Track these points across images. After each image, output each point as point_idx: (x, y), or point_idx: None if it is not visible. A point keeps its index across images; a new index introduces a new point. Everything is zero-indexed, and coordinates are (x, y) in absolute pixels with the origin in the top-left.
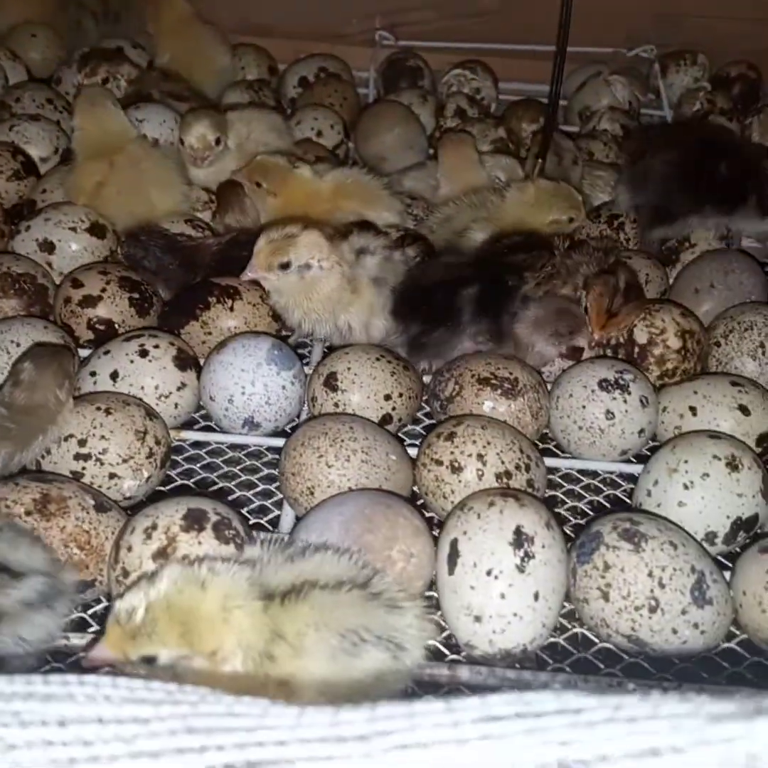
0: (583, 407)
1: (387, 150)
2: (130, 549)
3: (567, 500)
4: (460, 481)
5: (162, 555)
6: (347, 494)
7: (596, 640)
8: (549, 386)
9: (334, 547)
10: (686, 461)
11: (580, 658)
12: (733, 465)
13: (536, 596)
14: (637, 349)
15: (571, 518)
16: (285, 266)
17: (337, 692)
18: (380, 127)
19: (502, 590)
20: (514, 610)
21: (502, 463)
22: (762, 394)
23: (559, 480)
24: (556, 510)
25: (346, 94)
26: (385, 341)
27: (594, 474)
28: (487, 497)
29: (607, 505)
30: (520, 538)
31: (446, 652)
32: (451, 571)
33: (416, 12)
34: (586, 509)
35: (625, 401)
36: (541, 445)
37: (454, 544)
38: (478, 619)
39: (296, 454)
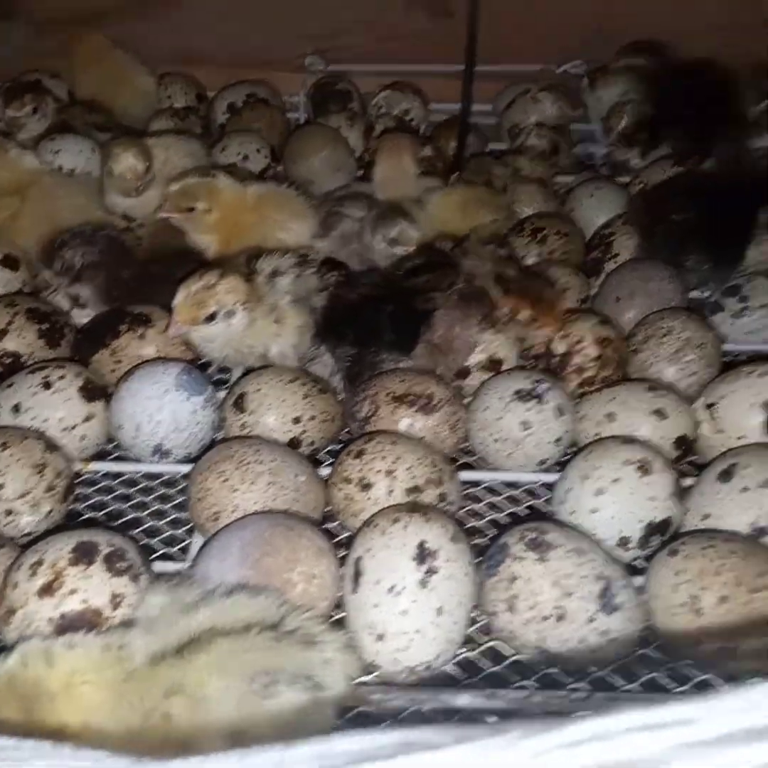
0: (499, 419)
1: (315, 173)
2: (15, 586)
3: (489, 512)
4: (369, 499)
5: (48, 591)
6: (248, 518)
7: (509, 653)
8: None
9: (246, 588)
10: (598, 467)
11: (493, 671)
12: (644, 469)
13: (440, 611)
14: (556, 359)
15: (494, 530)
16: (211, 318)
17: (252, 737)
18: (307, 150)
19: (405, 607)
20: (416, 626)
21: (413, 478)
22: (677, 398)
23: (482, 493)
24: (477, 523)
25: (274, 119)
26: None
27: (516, 485)
28: (392, 513)
29: (530, 514)
30: (422, 553)
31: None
32: (354, 590)
33: (347, 36)
34: (507, 521)
35: (540, 411)
36: (466, 458)
37: (357, 562)
38: (380, 637)
39: (201, 479)
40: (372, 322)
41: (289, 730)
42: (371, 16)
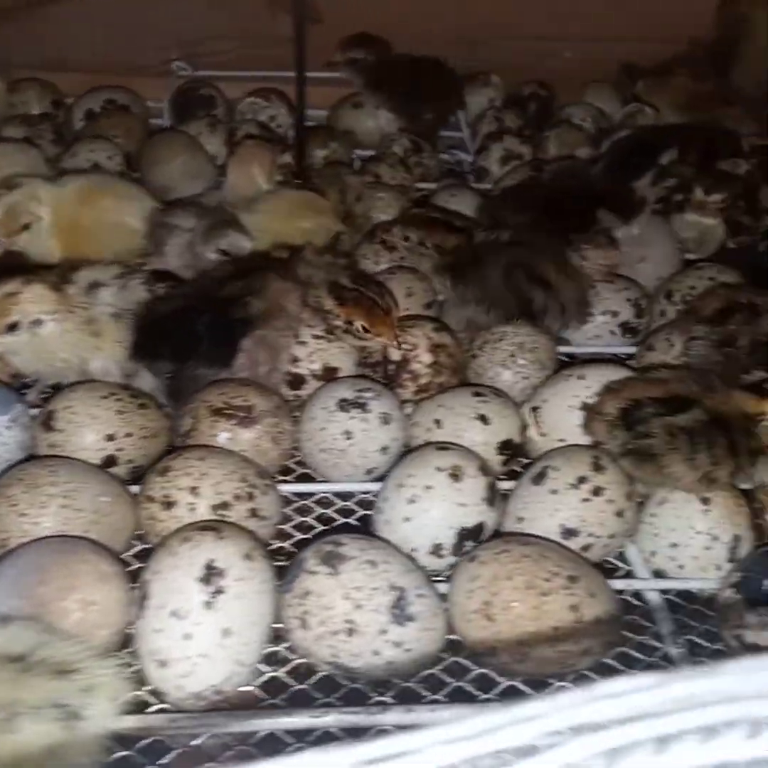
0: (323, 429)
1: (172, 180)
2: None
3: (318, 525)
4: (173, 518)
5: None
6: (26, 545)
7: (316, 670)
8: None
9: (14, 619)
10: (411, 475)
11: (298, 689)
12: (455, 475)
13: (227, 633)
14: (392, 367)
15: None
16: (13, 327)
17: None
18: (163, 157)
19: (188, 631)
20: (200, 650)
21: (219, 494)
22: (504, 402)
23: (313, 504)
24: (305, 536)
25: (131, 125)
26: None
27: (349, 496)
28: (184, 533)
29: (359, 526)
30: (210, 574)
31: (153, 700)
32: (141, 615)
33: (214, 41)
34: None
35: (364, 420)
36: (300, 470)
37: (145, 585)
38: (163, 663)
39: None
40: (187, 335)
41: (44, 762)
42: (239, 22)
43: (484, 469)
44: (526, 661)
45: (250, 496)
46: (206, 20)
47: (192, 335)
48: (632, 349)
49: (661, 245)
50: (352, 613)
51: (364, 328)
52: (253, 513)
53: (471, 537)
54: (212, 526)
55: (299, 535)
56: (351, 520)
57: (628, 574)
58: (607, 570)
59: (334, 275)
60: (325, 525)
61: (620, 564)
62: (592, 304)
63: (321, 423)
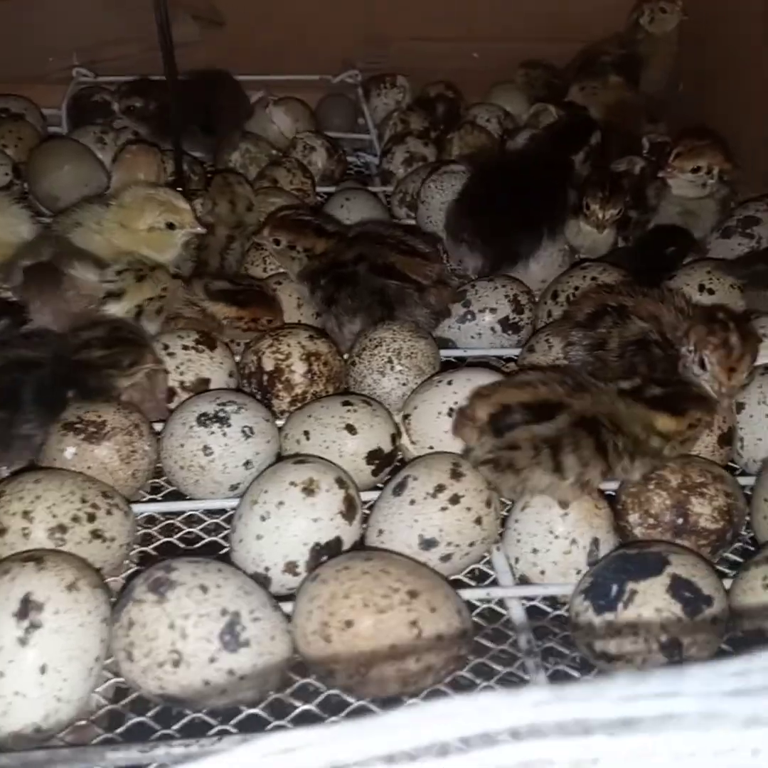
0: (182, 445)
1: (59, 188)
2: None
3: (181, 544)
4: (4, 545)
5: None
6: None
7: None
8: None
9: None
10: (265, 491)
11: (138, 722)
12: (309, 490)
13: (44, 669)
14: (266, 377)
15: None
16: None
17: None
18: (49, 165)
19: (1, 668)
20: (15, 688)
21: (54, 517)
22: (373, 411)
23: (180, 523)
24: (168, 556)
25: (22, 134)
26: None
27: (220, 512)
28: (4, 565)
29: (225, 544)
30: (26, 608)
31: None
32: None
33: (116, 47)
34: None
35: (224, 434)
36: (170, 488)
37: None
38: None
39: None
40: (14, 386)
41: None
42: (141, 26)
43: (342, 482)
44: (366, 681)
45: (92, 518)
46: (107, 25)
47: (19, 387)
48: (517, 351)
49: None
50: (178, 643)
51: (269, 321)
52: (96, 535)
53: (327, 553)
54: (35, 556)
55: (159, 557)
56: (218, 538)
57: (495, 582)
58: (477, 578)
59: (212, 285)
60: (189, 545)
61: (489, 571)
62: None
63: (180, 439)
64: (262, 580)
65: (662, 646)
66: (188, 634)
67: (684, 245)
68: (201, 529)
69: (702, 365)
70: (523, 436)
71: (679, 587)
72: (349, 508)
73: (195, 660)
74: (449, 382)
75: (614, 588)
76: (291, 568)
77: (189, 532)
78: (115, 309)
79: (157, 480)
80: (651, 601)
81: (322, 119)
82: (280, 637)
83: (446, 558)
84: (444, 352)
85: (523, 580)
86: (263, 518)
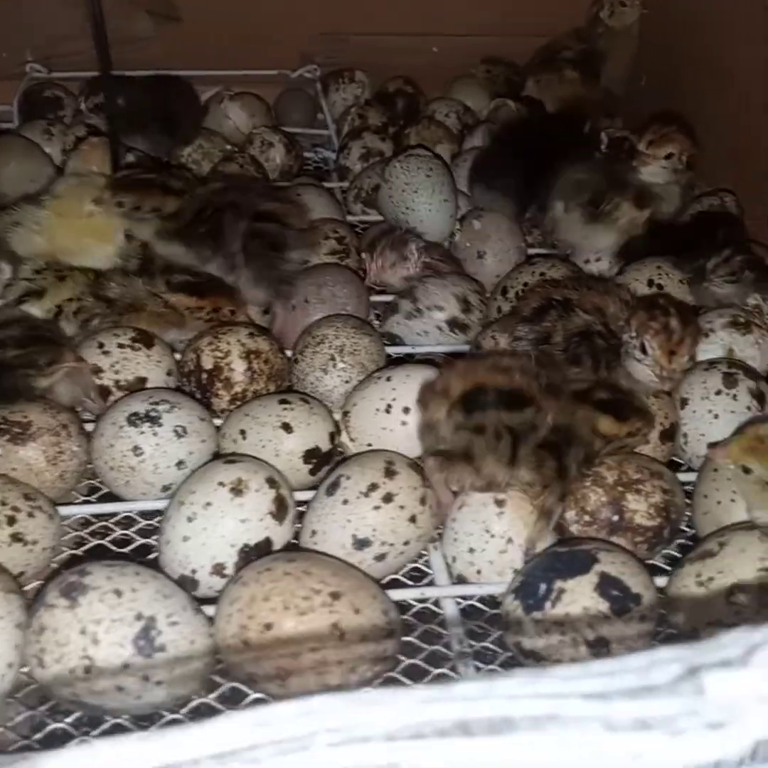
0: (111, 446)
1: (4, 185)
2: None
3: (114, 547)
4: None
5: None
6: None
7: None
8: None
9: None
10: (192, 492)
11: (56, 728)
12: (237, 490)
13: None
14: (205, 376)
15: None
16: None
17: None
18: None
19: None
20: None
21: None
22: (310, 409)
23: (113, 526)
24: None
25: None
26: None
27: (155, 514)
28: None
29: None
30: None
31: None
32: None
33: (70, 42)
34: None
35: (155, 434)
36: (105, 489)
37: None
38: None
39: None
40: None
41: None
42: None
43: (273, 481)
44: (286, 685)
45: (12, 521)
46: (61, 20)
47: None
48: (466, 348)
49: (501, 240)
50: (90, 648)
51: (231, 311)
52: (17, 538)
53: (256, 554)
54: None
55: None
56: (152, 541)
57: (432, 582)
58: (414, 577)
59: (174, 278)
60: (120, 547)
61: (428, 570)
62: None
63: (109, 439)
64: (189, 583)
65: (589, 645)
66: (100, 640)
67: (733, 227)
68: (135, 531)
69: (643, 350)
70: (491, 420)
71: (607, 585)
72: (280, 509)
73: (107, 666)
74: (388, 378)
75: (543, 587)
76: (219, 570)
77: (123, 535)
78: (35, 308)
79: (93, 482)
80: (579, 599)
81: (281, 114)
82: (201, 642)
83: (380, 557)
84: (391, 349)
85: (461, 580)
86: (190, 519)
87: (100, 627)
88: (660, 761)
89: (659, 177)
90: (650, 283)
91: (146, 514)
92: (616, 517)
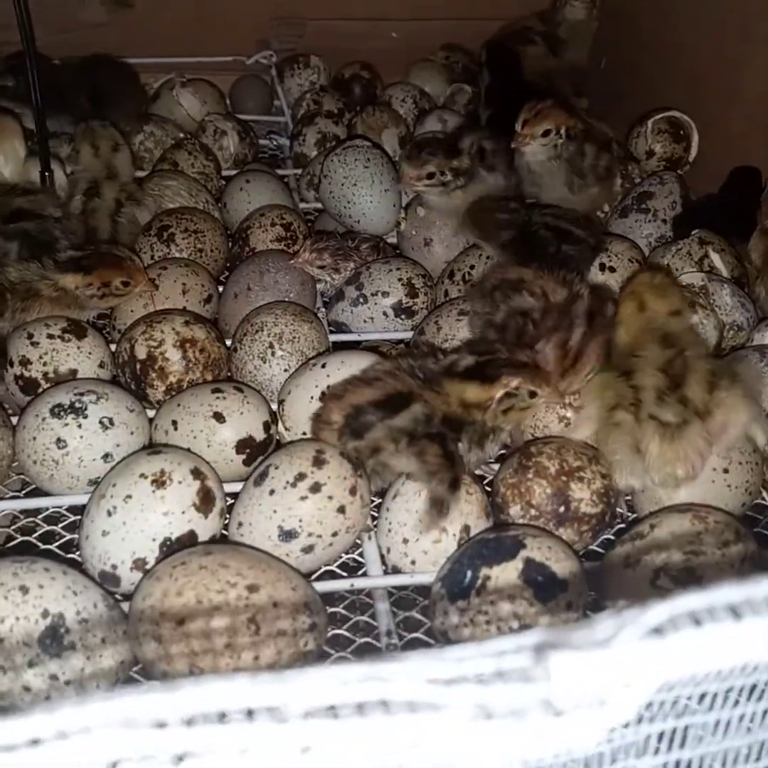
0: (34, 438)
1: None
2: None
3: (40, 543)
4: None
5: None
6: None
7: None
8: None
9: None
10: (113, 485)
11: None
12: (159, 482)
13: None
14: (138, 366)
15: None
16: None
17: None
18: None
19: None
20: None
21: None
22: (243, 398)
23: (40, 521)
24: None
25: None
26: None
27: (85, 508)
28: None
29: None
30: None
31: None
32: None
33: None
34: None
35: (79, 426)
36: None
37: None
38: None
39: None
40: None
41: None
42: (47, 7)
43: (198, 472)
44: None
45: None
46: (10, 8)
47: None
48: (411, 334)
49: (447, 226)
50: None
51: (124, 283)
52: None
53: (179, 548)
54: None
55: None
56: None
57: (365, 573)
58: (349, 568)
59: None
60: (45, 544)
61: (362, 561)
62: None
63: (32, 432)
64: (110, 579)
65: (514, 633)
66: (4, 638)
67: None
68: (63, 527)
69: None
70: (381, 435)
71: (532, 571)
72: (205, 501)
73: (11, 665)
74: (323, 366)
75: (468, 574)
76: (140, 565)
77: (50, 530)
78: None
79: (24, 476)
80: (503, 587)
81: (237, 101)
82: (113, 640)
83: (308, 549)
84: (336, 337)
85: (395, 570)
86: (109, 513)
87: (4, 625)
88: (502, 746)
89: (541, 154)
90: (602, 267)
91: (75, 510)
92: (562, 508)
